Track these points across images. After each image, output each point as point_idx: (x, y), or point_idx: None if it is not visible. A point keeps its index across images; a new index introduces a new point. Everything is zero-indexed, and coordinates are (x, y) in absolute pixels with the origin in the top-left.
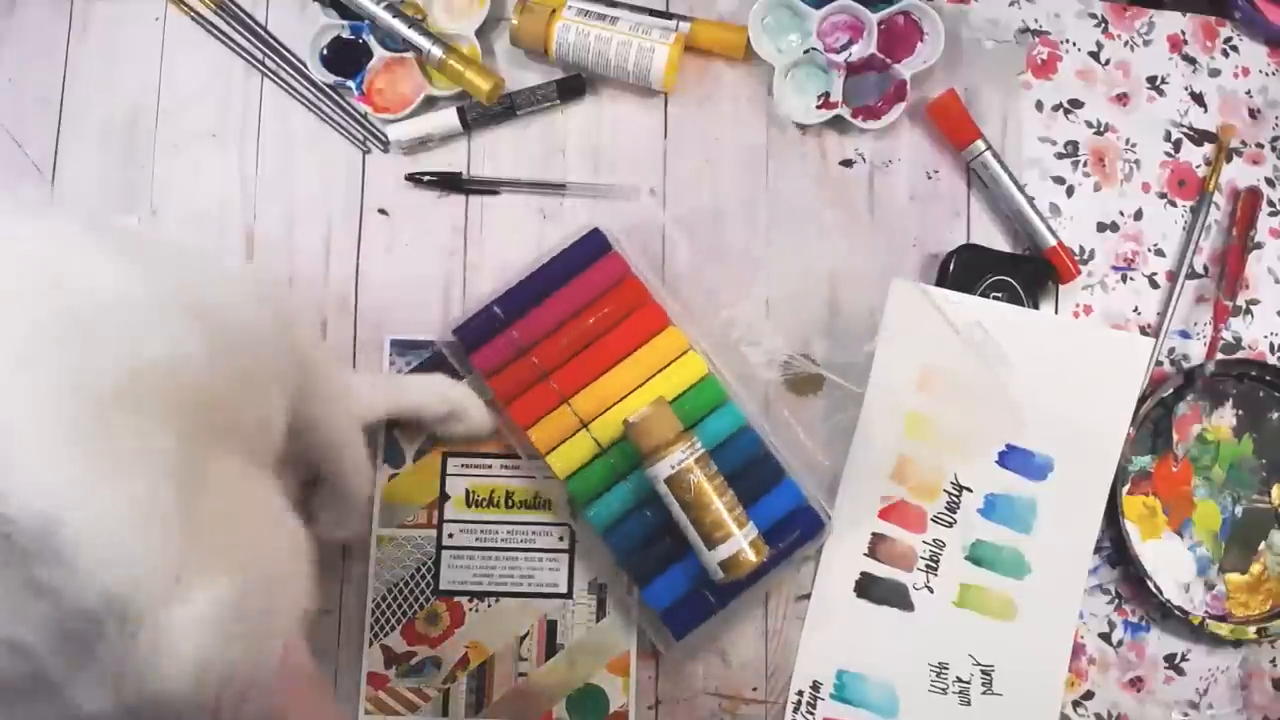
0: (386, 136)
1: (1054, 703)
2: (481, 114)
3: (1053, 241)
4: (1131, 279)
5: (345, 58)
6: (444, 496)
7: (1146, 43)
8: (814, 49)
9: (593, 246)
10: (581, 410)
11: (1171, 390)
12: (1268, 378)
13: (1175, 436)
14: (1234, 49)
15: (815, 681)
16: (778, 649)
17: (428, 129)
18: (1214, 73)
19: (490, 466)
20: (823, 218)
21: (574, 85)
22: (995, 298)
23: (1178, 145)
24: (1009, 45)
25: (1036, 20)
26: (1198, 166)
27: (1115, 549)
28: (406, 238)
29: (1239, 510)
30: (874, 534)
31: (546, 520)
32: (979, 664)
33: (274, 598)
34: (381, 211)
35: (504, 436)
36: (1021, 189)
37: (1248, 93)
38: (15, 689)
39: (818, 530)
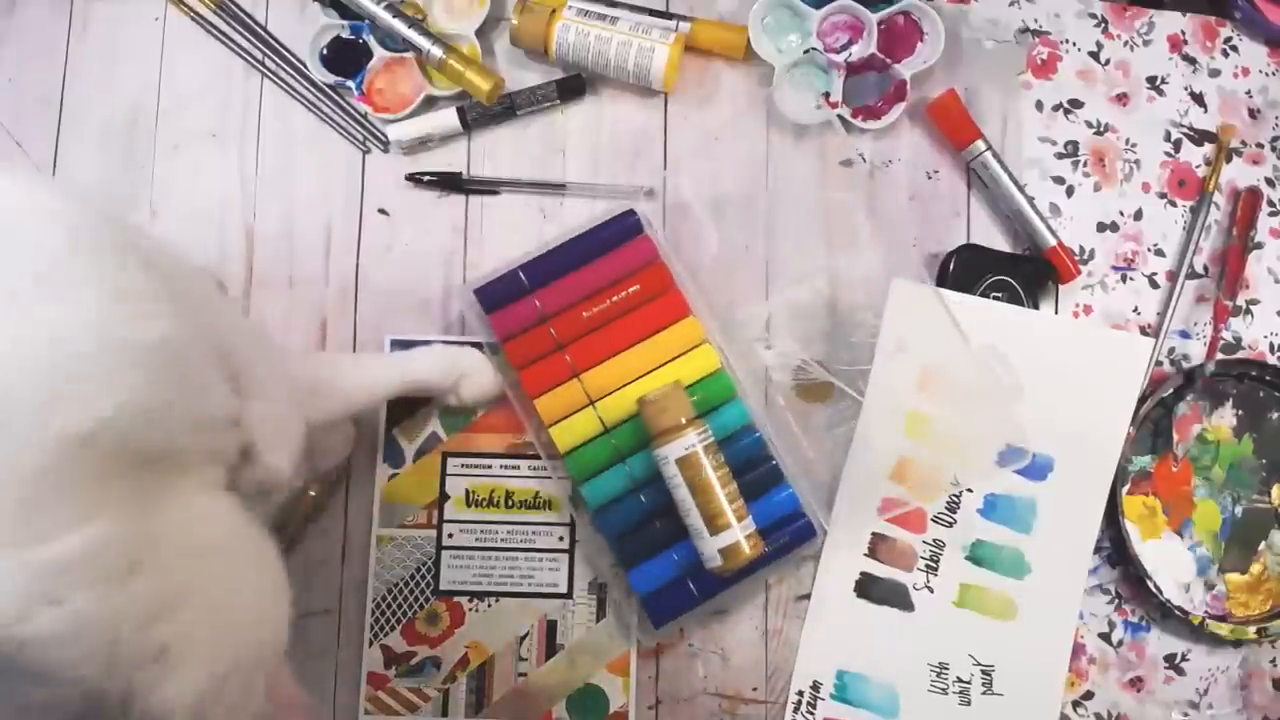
0: (386, 136)
1: (1054, 703)
2: (481, 114)
3: (1053, 241)
4: (1131, 279)
5: (345, 58)
6: (444, 496)
7: (1146, 43)
8: (814, 49)
9: (625, 227)
10: (591, 387)
11: (1171, 390)
12: (1268, 378)
13: (1175, 436)
14: (1234, 49)
15: (815, 681)
16: (778, 649)
17: (428, 129)
18: (1214, 73)
19: (490, 466)
20: (822, 218)
21: (574, 85)
22: (995, 298)
23: (1178, 145)
24: (1009, 45)
25: (1036, 20)
26: (1198, 166)
27: (1115, 549)
28: (406, 238)
29: (1239, 510)
30: (874, 534)
31: (546, 520)
32: (979, 664)
33: (257, 639)
34: (381, 211)
35: (511, 404)
36: (1021, 189)
37: (1248, 93)
38: None
39: (809, 538)
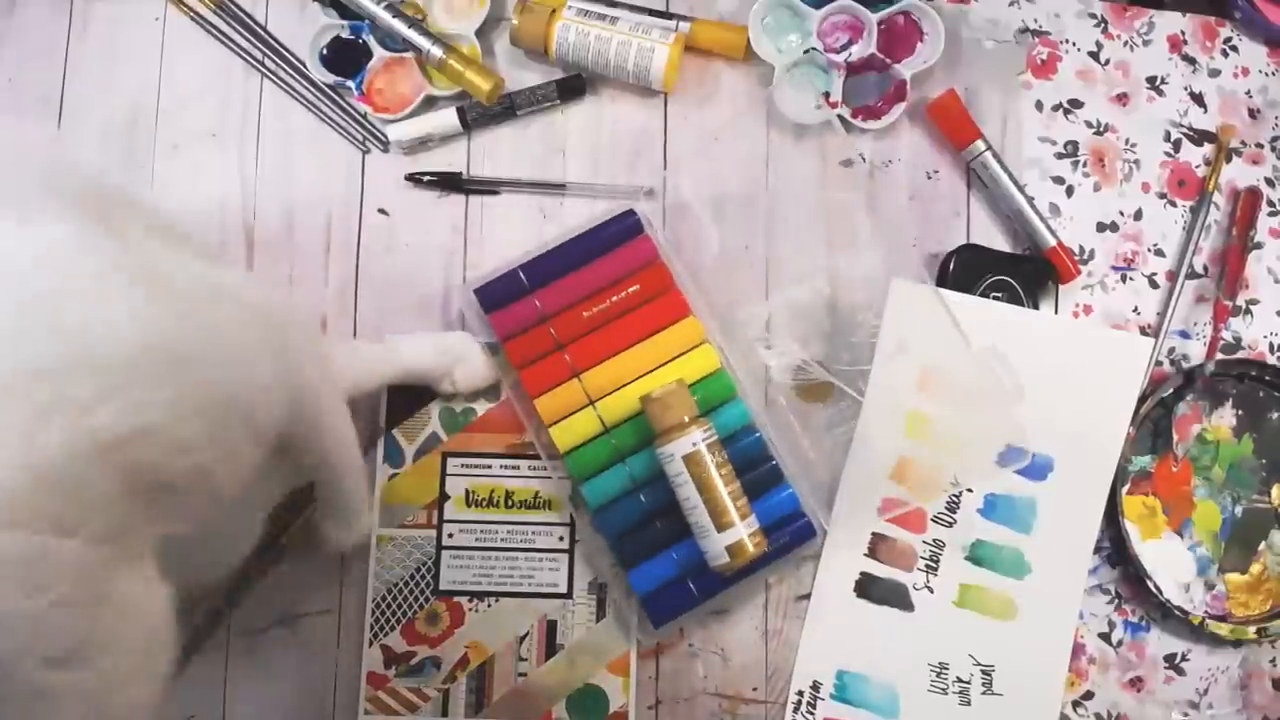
0: (386, 136)
1: (1054, 703)
2: (481, 114)
3: (1053, 241)
4: (1131, 279)
5: (345, 58)
6: (444, 496)
7: (1146, 43)
8: (814, 49)
9: (625, 227)
10: (591, 387)
11: (1171, 390)
12: (1268, 378)
13: (1175, 436)
14: (1234, 49)
15: (815, 681)
16: (778, 649)
17: (428, 129)
18: (1214, 73)
19: (490, 466)
20: (822, 218)
21: (574, 85)
22: (995, 298)
23: (1178, 145)
24: (1009, 45)
25: (1036, 20)
26: (1198, 166)
27: (1115, 549)
28: (406, 238)
29: (1239, 510)
30: (874, 534)
31: (546, 520)
32: (979, 664)
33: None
34: (381, 211)
35: (511, 404)
36: (1021, 189)
37: (1247, 93)
38: None
39: (809, 539)
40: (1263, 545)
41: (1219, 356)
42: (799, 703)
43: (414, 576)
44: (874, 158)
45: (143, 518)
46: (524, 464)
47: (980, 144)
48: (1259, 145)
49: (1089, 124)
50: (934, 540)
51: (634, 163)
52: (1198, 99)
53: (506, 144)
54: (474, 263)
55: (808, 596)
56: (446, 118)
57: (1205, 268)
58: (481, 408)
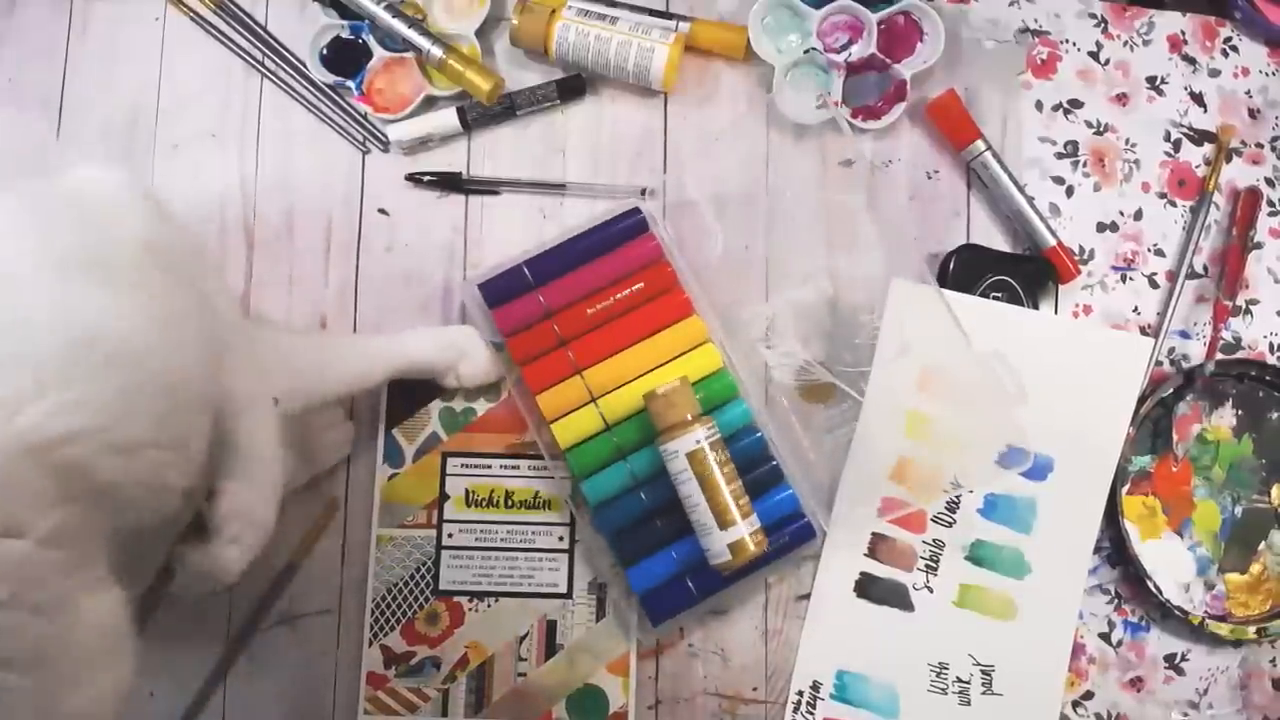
0: (386, 136)
1: (1054, 703)
2: (481, 114)
3: (1053, 241)
4: (1131, 279)
5: (345, 58)
6: (444, 496)
7: (1146, 43)
8: (814, 49)
9: (630, 224)
10: (593, 384)
11: (1171, 390)
12: (1268, 378)
13: (1175, 436)
14: (1234, 49)
15: (815, 681)
16: (778, 649)
17: (428, 129)
18: (1214, 73)
19: (490, 466)
20: (823, 218)
21: (574, 85)
22: (995, 298)
23: (1178, 145)
24: (1009, 45)
25: (1036, 20)
26: (1198, 166)
27: (1115, 549)
28: (406, 238)
29: (1239, 510)
30: (874, 534)
31: (546, 520)
32: (979, 664)
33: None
34: (381, 211)
35: (513, 399)
36: (1021, 189)
37: (1247, 93)
38: None
39: (808, 539)
40: (1263, 545)
41: (1219, 356)
42: (799, 703)
43: (414, 576)
44: (874, 158)
45: (93, 520)
46: (524, 464)
47: (980, 144)
48: (1259, 145)
49: (1089, 124)
50: (934, 540)
51: (634, 163)
52: (1198, 99)
53: (506, 144)
54: (474, 263)
55: (808, 596)
56: (446, 118)
57: (1205, 268)
58: (481, 408)
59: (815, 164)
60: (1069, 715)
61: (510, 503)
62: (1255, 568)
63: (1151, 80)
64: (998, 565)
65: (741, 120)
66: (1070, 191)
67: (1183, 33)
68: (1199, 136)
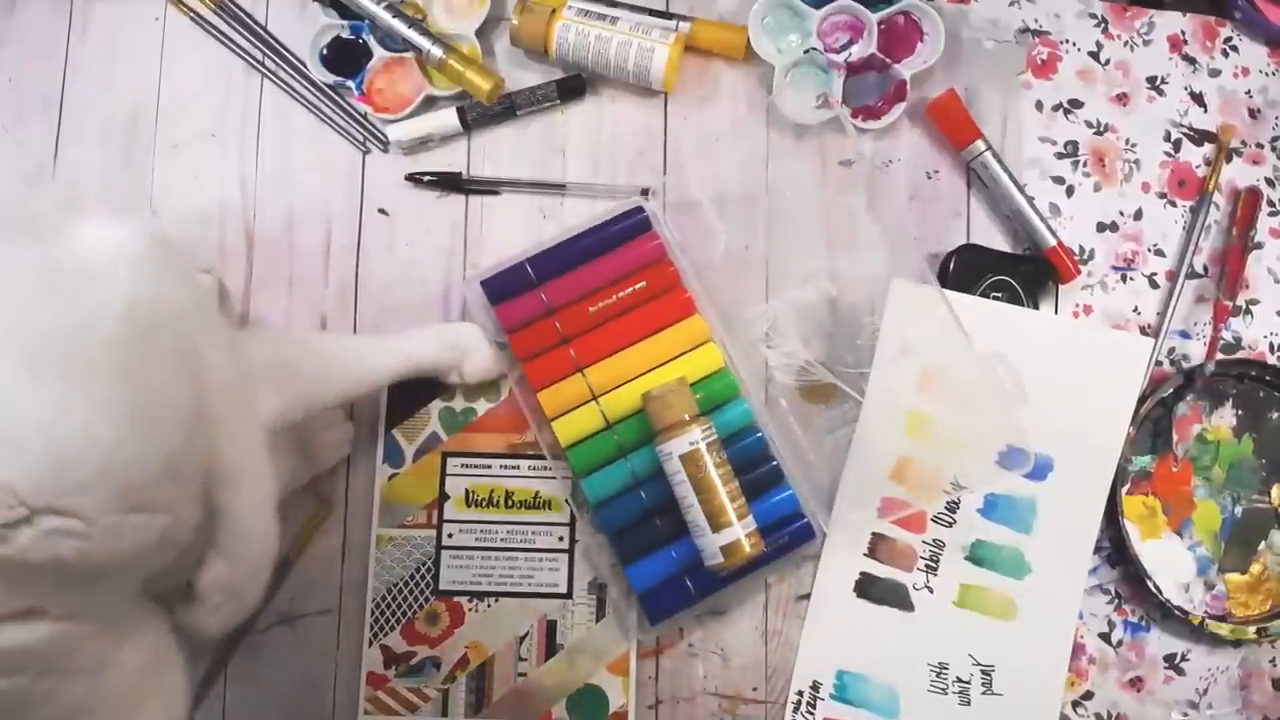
0: (386, 136)
1: (1054, 703)
2: (481, 114)
3: (1053, 241)
4: (1131, 279)
5: (345, 58)
6: (444, 496)
7: (1146, 43)
8: (814, 49)
9: (634, 223)
10: (594, 382)
11: (1171, 390)
12: (1268, 378)
13: (1175, 436)
14: (1234, 49)
15: (815, 681)
16: (778, 649)
17: (428, 129)
18: (1214, 73)
19: (490, 466)
20: (823, 218)
21: (574, 85)
22: (995, 298)
23: (1178, 145)
24: (1009, 45)
25: (1036, 20)
26: (1198, 166)
27: (1115, 549)
28: (406, 238)
29: (1239, 510)
30: (874, 534)
31: (546, 520)
32: (979, 664)
33: None
34: (381, 211)
35: (515, 398)
36: (1021, 189)
37: (1248, 93)
38: None
39: (808, 540)
40: (1263, 545)
41: (1219, 356)
42: (799, 703)
43: (414, 576)
44: (874, 158)
45: (100, 588)
46: (524, 464)
47: (980, 144)
48: (1259, 145)
49: (1089, 124)
50: (934, 540)
51: (634, 163)
52: (1198, 99)
53: (506, 144)
54: (474, 263)
55: (808, 596)
56: (446, 118)
57: (1205, 268)
58: (481, 408)
59: (815, 164)
60: (1069, 715)
61: (510, 503)
62: (1255, 568)
63: (1152, 80)
64: (998, 565)
65: (741, 120)
66: (1070, 191)
67: (1183, 33)
68: (1199, 136)
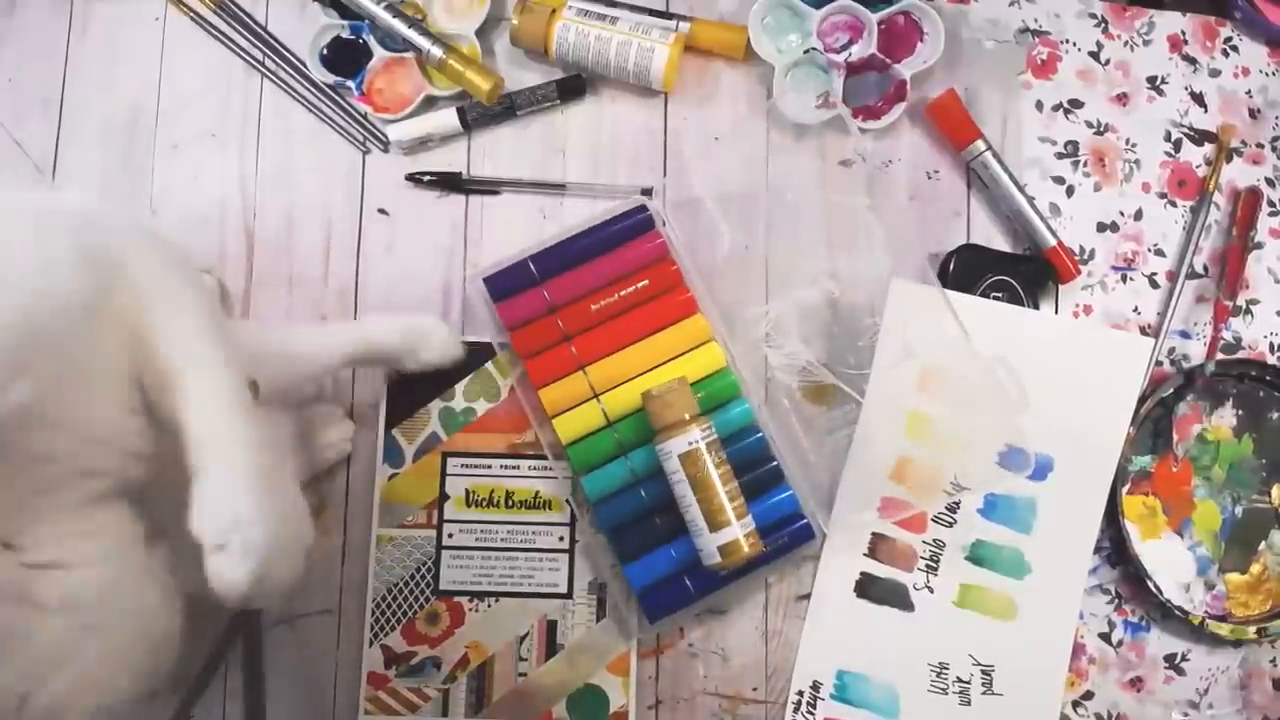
0: (386, 136)
1: (1054, 703)
2: (481, 114)
3: (1053, 241)
4: (1131, 279)
5: (345, 58)
6: (444, 496)
7: (1146, 43)
8: (814, 49)
9: (636, 222)
10: (596, 380)
11: (1171, 390)
12: (1268, 378)
13: (1175, 436)
14: (1234, 49)
15: (815, 681)
16: (778, 649)
17: (428, 129)
18: (1214, 73)
19: (490, 466)
20: (823, 218)
21: (574, 85)
22: (995, 298)
23: (1178, 145)
24: (1009, 45)
25: (1036, 20)
26: (1198, 166)
27: (1115, 549)
28: (406, 238)
29: (1239, 510)
30: (874, 534)
31: (546, 520)
32: (979, 664)
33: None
34: (381, 211)
35: (515, 399)
36: (1021, 189)
37: (1248, 93)
38: None
39: (807, 540)
40: (1263, 545)
41: (1219, 356)
42: (799, 703)
43: (414, 576)
44: (874, 158)
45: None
46: (524, 464)
47: (980, 144)
48: (1259, 145)
49: (1089, 124)
50: (934, 540)
51: (634, 163)
52: (1198, 99)
53: (506, 144)
54: (474, 263)
55: (808, 596)
56: (446, 118)
57: (1205, 268)
58: (481, 408)
59: (815, 164)
60: (1069, 715)
61: (510, 503)
62: (1255, 568)
63: (1152, 80)
64: (998, 565)
65: (742, 120)
66: (1070, 191)
67: (1183, 33)
68: (1199, 136)
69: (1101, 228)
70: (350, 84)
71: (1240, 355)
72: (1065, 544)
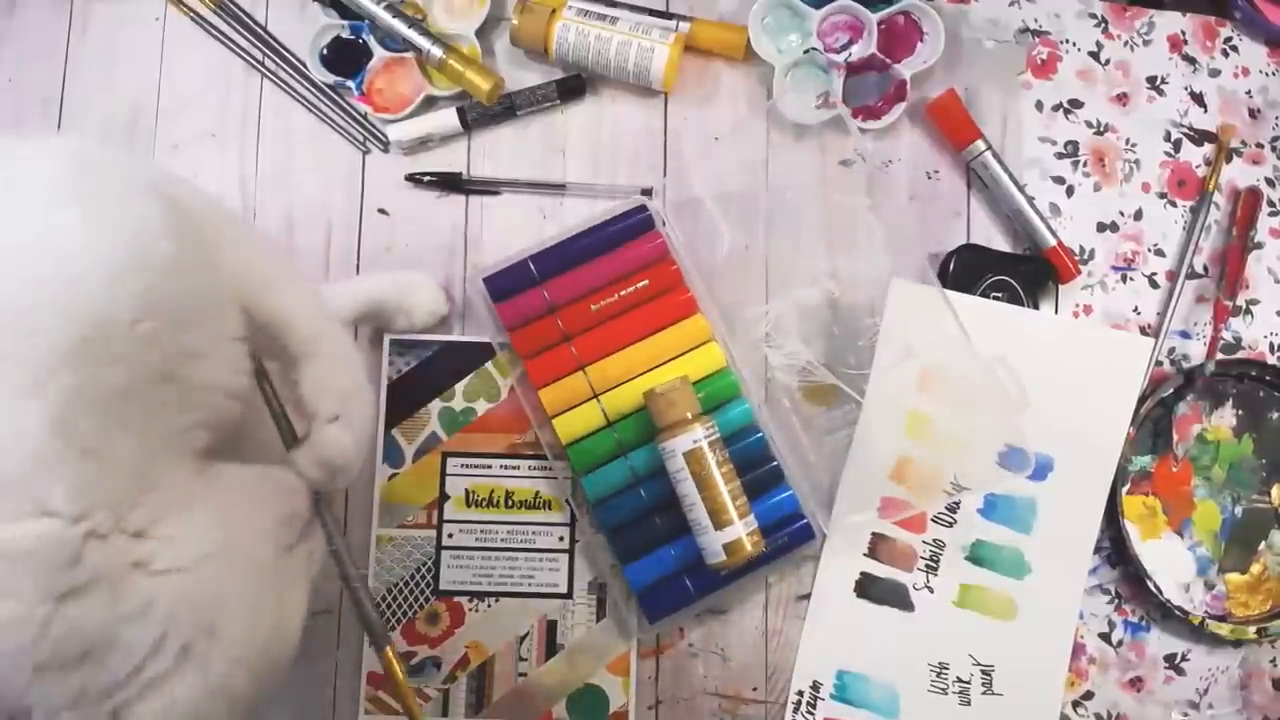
0: (386, 136)
1: (1054, 703)
2: (481, 114)
3: (1053, 241)
4: (1131, 279)
5: (345, 58)
6: (444, 496)
7: (1146, 43)
8: (814, 49)
9: (637, 221)
10: (596, 380)
11: (1171, 390)
12: (1268, 378)
13: (1175, 436)
14: (1234, 49)
15: (815, 681)
16: (778, 649)
17: (428, 129)
18: (1214, 73)
19: (490, 466)
20: (823, 218)
21: (574, 85)
22: (995, 298)
23: (1178, 145)
24: (1009, 45)
25: (1036, 20)
26: (1198, 166)
27: (1115, 549)
28: (406, 238)
29: (1239, 510)
30: (874, 534)
31: (546, 520)
32: (979, 664)
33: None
34: (381, 211)
35: (515, 398)
36: (1021, 189)
37: (1248, 93)
38: None
39: (808, 540)
40: (1263, 545)
41: (1219, 356)
42: (799, 703)
43: (414, 576)
44: (874, 158)
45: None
46: (524, 464)
47: (980, 144)
48: (1259, 145)
49: (1089, 124)
50: (934, 540)
51: (634, 163)
52: (1198, 99)
53: (506, 144)
54: (474, 263)
55: (808, 596)
56: (446, 118)
57: (1205, 268)
58: (481, 408)
59: (815, 164)
60: (1069, 715)
61: (510, 503)
62: (1255, 568)
63: (1152, 80)
64: (998, 565)
65: (741, 120)
66: (1070, 191)
67: (1183, 33)
68: (1199, 136)
69: (1101, 228)
70: (350, 84)
71: (1240, 355)
72: (1065, 544)
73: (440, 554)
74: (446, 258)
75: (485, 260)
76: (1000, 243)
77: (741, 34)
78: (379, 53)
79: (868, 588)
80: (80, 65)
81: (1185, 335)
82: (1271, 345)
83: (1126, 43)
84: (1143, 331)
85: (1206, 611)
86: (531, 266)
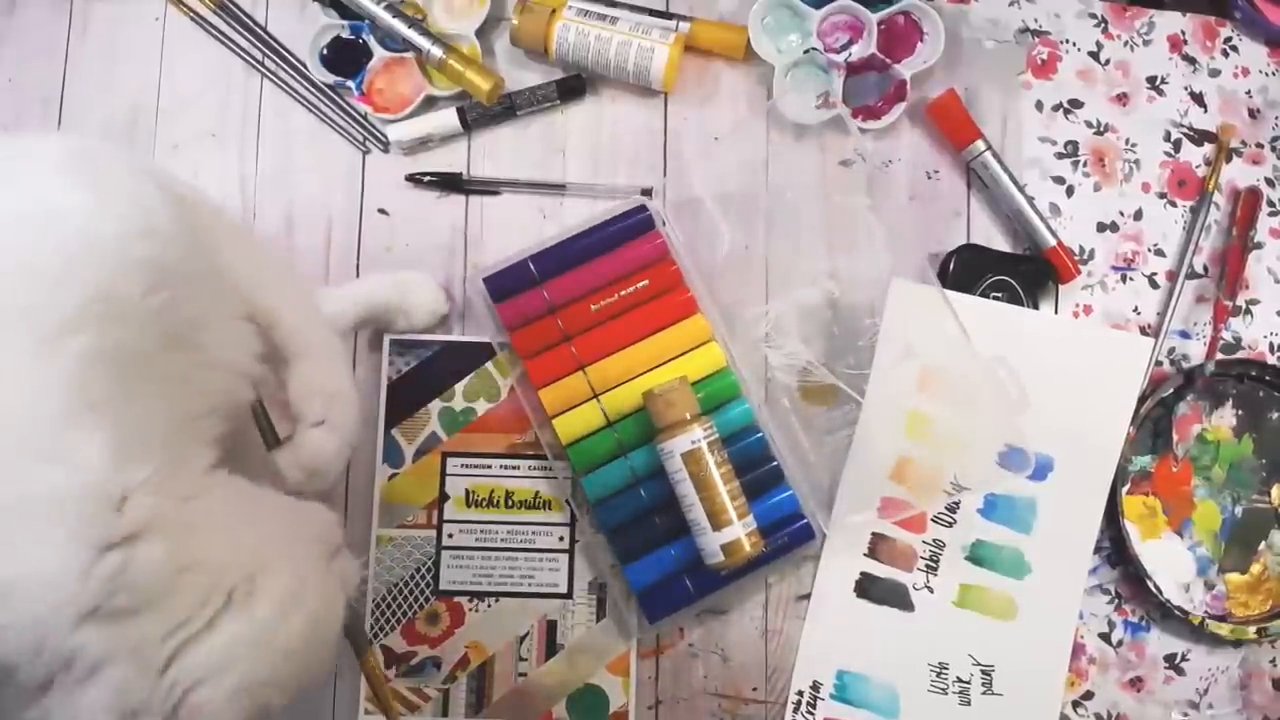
0: (386, 136)
1: (1054, 703)
2: (481, 114)
3: (1053, 241)
4: (1131, 279)
5: (345, 58)
6: (444, 496)
7: (1146, 43)
8: (814, 49)
9: (637, 221)
10: (596, 380)
11: (1171, 390)
12: (1268, 378)
13: (1175, 436)
14: (1234, 49)
15: (815, 681)
16: (778, 649)
17: (428, 129)
18: (1214, 73)
19: (490, 466)
20: (823, 218)
21: (574, 85)
22: (995, 298)
23: (1178, 145)
24: (1009, 45)
25: (1036, 20)
26: (1198, 166)
27: (1115, 549)
28: (406, 238)
29: (1239, 510)
30: (874, 534)
31: (546, 520)
32: (979, 664)
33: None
34: (381, 211)
35: (515, 398)
36: (1021, 189)
37: (1248, 93)
38: None
39: (808, 540)
40: (1263, 545)
41: (1219, 356)
42: (799, 703)
43: (414, 576)
44: (874, 158)
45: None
46: (524, 464)
47: (980, 144)
48: (1259, 145)
49: (1089, 124)
50: (934, 540)
51: (634, 163)
52: (1198, 99)
53: (506, 144)
54: (474, 263)
55: (808, 596)
56: (446, 118)
57: (1205, 268)
58: (481, 408)
59: (815, 164)
60: (1069, 715)
61: (510, 503)
62: (1255, 568)
63: (1151, 80)
64: (998, 565)
65: (741, 120)
66: (1070, 191)
67: (1183, 33)
68: (1199, 136)
69: (1101, 228)
70: (350, 84)
71: (1240, 355)
72: (1065, 544)
73: (440, 554)
74: (446, 258)
75: (485, 260)
76: (1000, 243)
77: (741, 34)
78: (379, 53)
79: (868, 588)
80: (80, 65)
81: (1185, 335)
82: (1271, 345)
83: (1126, 43)
84: (1143, 331)
85: (1206, 611)
86: (531, 266)
